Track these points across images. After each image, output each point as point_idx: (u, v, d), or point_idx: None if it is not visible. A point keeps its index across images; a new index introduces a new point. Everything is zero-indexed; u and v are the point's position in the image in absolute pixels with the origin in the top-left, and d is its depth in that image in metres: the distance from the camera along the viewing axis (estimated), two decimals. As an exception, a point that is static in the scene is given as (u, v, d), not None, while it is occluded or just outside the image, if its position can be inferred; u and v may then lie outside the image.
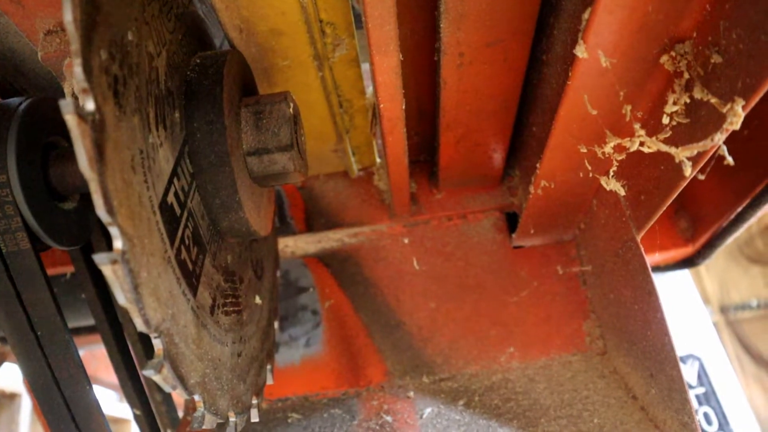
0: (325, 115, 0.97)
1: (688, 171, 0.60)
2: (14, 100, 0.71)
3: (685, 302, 1.55)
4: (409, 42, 0.85)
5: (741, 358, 4.10)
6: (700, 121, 0.61)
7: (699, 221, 1.25)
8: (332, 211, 1.14)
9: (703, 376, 1.43)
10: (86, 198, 0.78)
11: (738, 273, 4.21)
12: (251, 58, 0.82)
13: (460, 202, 1.13)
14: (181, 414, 1.04)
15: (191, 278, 0.61)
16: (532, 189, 0.90)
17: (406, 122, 0.82)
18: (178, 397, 1.08)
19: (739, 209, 1.08)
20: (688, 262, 1.35)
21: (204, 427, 0.60)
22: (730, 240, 1.19)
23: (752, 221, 1.10)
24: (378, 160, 1.13)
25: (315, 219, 1.14)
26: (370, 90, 0.99)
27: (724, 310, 4.13)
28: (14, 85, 0.82)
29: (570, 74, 0.66)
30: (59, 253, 1.18)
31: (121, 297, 0.46)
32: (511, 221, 1.14)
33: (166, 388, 0.53)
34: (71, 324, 0.91)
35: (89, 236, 0.80)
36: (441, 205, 1.13)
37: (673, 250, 1.30)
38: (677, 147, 0.61)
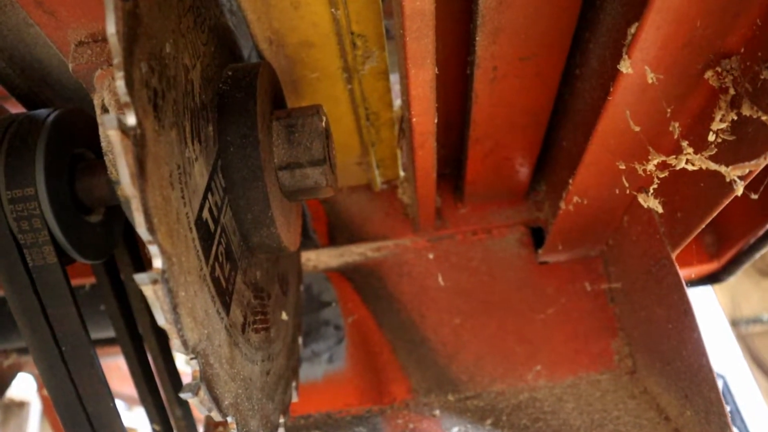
0: (352, 128, 0.95)
1: (740, 190, 0.58)
2: (42, 112, 0.70)
3: (708, 319, 1.53)
4: (440, 55, 0.83)
5: (753, 373, 4.06)
6: (747, 138, 0.60)
7: (725, 237, 1.22)
8: (355, 224, 1.13)
9: (727, 395, 1.40)
10: (112, 211, 0.77)
11: (749, 286, 4.16)
12: (280, 71, 0.81)
13: (485, 217, 1.12)
14: (201, 430, 1.02)
15: (225, 296, 0.59)
16: (563, 204, 0.88)
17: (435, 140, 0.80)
18: (198, 412, 1.07)
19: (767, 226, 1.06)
20: (712, 278, 1.33)
21: (236, 449, 0.58)
22: (757, 256, 1.17)
23: (781, 238, 1.08)
24: (402, 173, 1.12)
25: (338, 232, 1.13)
26: (397, 103, 0.98)
27: (735, 324, 4.09)
28: (40, 96, 0.81)
29: (611, 90, 0.64)
30: (78, 264, 1.17)
31: (161, 318, 0.44)
32: (537, 236, 1.12)
33: (202, 411, 0.51)
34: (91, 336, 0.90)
35: (113, 249, 0.79)
36: (466, 219, 1.12)
37: (698, 266, 1.28)
38: (725, 165, 0.59)
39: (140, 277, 0.42)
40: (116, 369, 1.78)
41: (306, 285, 1.10)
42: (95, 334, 1.30)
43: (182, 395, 0.48)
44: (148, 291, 0.43)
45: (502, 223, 1.11)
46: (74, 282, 1.17)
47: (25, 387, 3.12)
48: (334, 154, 0.77)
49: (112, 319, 0.89)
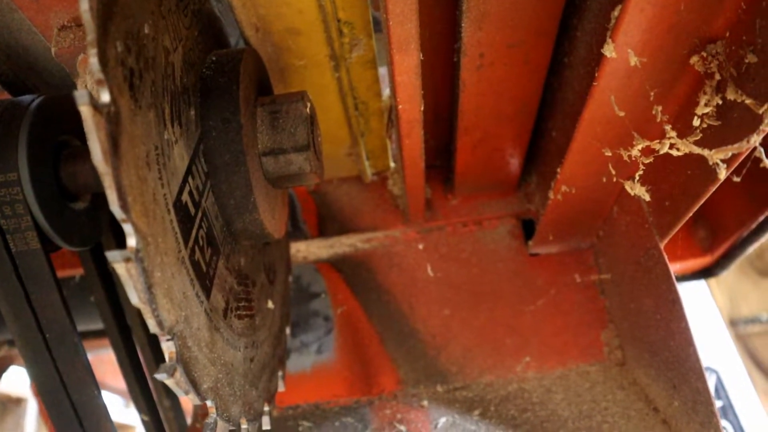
0: (341, 118, 0.95)
1: (723, 174, 0.58)
2: (26, 98, 0.69)
3: (702, 313, 1.53)
4: (428, 44, 0.83)
5: (751, 372, 4.05)
6: (732, 123, 0.59)
7: (718, 231, 1.22)
8: (345, 215, 1.12)
9: (720, 390, 1.40)
10: (97, 198, 0.76)
11: (748, 286, 4.15)
12: (267, 58, 0.81)
13: (476, 208, 1.11)
14: (189, 420, 1.02)
15: (205, 280, 0.59)
16: (551, 194, 0.88)
17: (422, 126, 0.80)
18: (187, 403, 1.07)
19: (761, 219, 1.05)
20: (706, 273, 1.32)
21: (215, 434, 0.58)
22: (750, 250, 1.16)
23: (773, 232, 1.08)
24: (392, 164, 1.12)
25: (328, 224, 1.12)
26: (386, 92, 0.97)
27: (733, 323, 4.07)
28: (26, 83, 0.80)
29: (596, 75, 0.64)
30: (68, 255, 1.16)
31: (135, 297, 0.44)
32: (527, 228, 1.12)
33: (179, 393, 0.51)
34: (79, 328, 0.89)
35: (100, 237, 0.78)
36: (456, 211, 1.11)
37: (691, 260, 1.27)
38: (709, 149, 0.59)
39: (113, 255, 0.42)
40: (110, 362, 1.78)
41: (295, 276, 1.10)
42: (85, 326, 1.30)
43: (157, 376, 0.48)
44: (121, 269, 0.42)
45: (493, 214, 1.11)
46: (63, 273, 1.17)
47: (21, 383, 3.12)
48: (320, 141, 0.76)
49: (100, 308, 0.89)
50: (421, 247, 1.10)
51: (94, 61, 0.42)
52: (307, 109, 0.70)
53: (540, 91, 0.85)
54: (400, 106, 0.74)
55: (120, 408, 3.43)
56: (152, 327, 0.46)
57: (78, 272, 1.19)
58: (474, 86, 0.81)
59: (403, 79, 0.70)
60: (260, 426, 0.72)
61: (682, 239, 1.25)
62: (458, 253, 1.09)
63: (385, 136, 1.02)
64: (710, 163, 0.58)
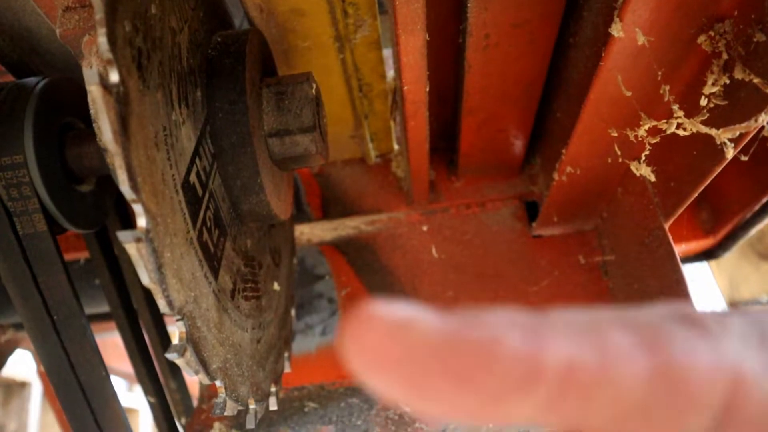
0: (345, 100, 0.95)
1: (730, 153, 0.58)
2: (31, 80, 0.69)
3: (704, 296, 1.53)
4: (433, 25, 0.82)
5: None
6: (739, 103, 0.59)
7: (721, 213, 1.22)
8: (349, 198, 1.12)
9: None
10: (103, 181, 0.76)
11: (748, 269, 4.16)
12: (271, 40, 0.81)
13: (480, 191, 1.11)
14: (195, 403, 1.03)
15: (213, 261, 0.59)
16: (556, 175, 0.88)
17: (427, 107, 0.80)
18: (193, 386, 1.07)
19: (764, 200, 1.05)
20: (708, 254, 1.33)
21: (225, 413, 0.58)
22: (753, 232, 1.16)
23: (776, 213, 1.08)
24: (396, 146, 1.11)
25: (332, 206, 1.12)
26: (390, 74, 0.97)
27: (733, 305, 4.08)
28: (30, 66, 0.80)
29: (603, 55, 0.64)
30: (73, 239, 1.17)
31: (145, 277, 0.44)
32: (531, 210, 1.12)
33: (189, 373, 0.51)
34: (85, 311, 0.89)
35: (105, 220, 0.79)
36: (460, 193, 1.11)
37: (693, 241, 1.28)
38: (716, 129, 0.59)
39: (124, 235, 0.42)
40: (115, 346, 1.78)
41: (300, 258, 1.10)
42: (91, 309, 1.31)
43: (168, 355, 0.48)
44: (132, 249, 0.43)
45: (497, 196, 1.11)
46: (68, 257, 1.17)
47: (25, 367, 3.13)
48: (325, 122, 0.76)
49: (106, 290, 0.89)
50: (425, 228, 1.10)
51: (102, 40, 0.42)
52: (313, 90, 0.70)
53: (545, 72, 0.84)
54: (405, 87, 0.74)
55: (123, 392, 3.45)
56: (162, 307, 0.47)
57: (82, 256, 1.19)
58: (479, 67, 0.81)
59: (408, 59, 0.69)
60: (267, 406, 0.72)
61: (684, 221, 1.25)
62: (462, 235, 1.09)
63: (389, 118, 1.02)
64: (717, 142, 0.58)
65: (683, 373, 0.22)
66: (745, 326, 0.24)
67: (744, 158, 0.60)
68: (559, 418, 0.22)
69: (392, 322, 0.22)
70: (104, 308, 1.22)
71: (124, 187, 0.42)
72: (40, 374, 2.79)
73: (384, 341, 0.22)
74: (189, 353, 0.50)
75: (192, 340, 0.51)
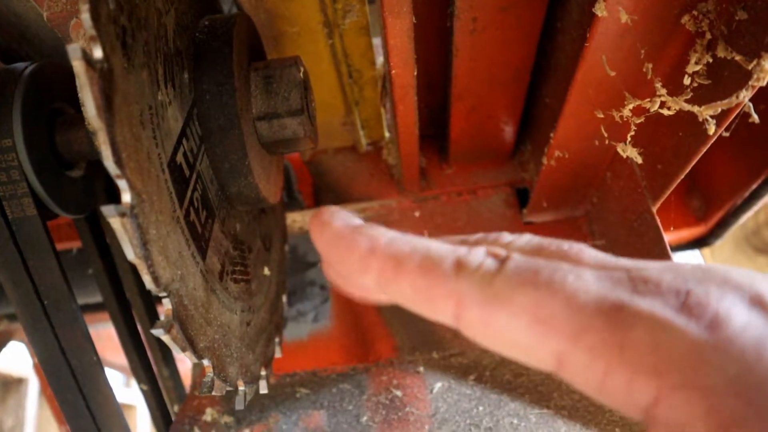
0: (335, 86, 0.95)
1: (712, 129, 0.58)
2: (20, 65, 0.69)
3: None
4: (421, 9, 0.83)
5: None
6: (722, 82, 0.60)
7: (712, 200, 1.23)
8: (341, 185, 1.13)
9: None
10: (93, 166, 0.76)
11: (744, 263, 4.17)
12: (260, 25, 0.81)
13: (471, 178, 1.12)
14: (187, 390, 1.03)
15: (200, 241, 0.59)
16: (545, 160, 0.88)
17: (416, 92, 0.80)
18: (185, 374, 1.08)
19: (754, 186, 1.06)
20: (700, 242, 1.33)
21: (213, 393, 0.58)
22: (744, 219, 1.17)
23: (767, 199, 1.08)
24: (387, 134, 1.12)
25: (323, 194, 1.13)
26: (380, 60, 0.97)
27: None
28: (19, 52, 0.80)
29: (588, 36, 0.64)
30: (65, 228, 1.17)
31: (130, 252, 0.45)
32: (522, 197, 1.12)
33: (175, 350, 0.52)
34: (78, 301, 0.90)
35: (95, 205, 0.79)
36: (451, 180, 1.12)
37: (685, 229, 1.28)
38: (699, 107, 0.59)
39: (108, 209, 0.43)
40: (109, 338, 1.79)
41: (292, 246, 1.10)
42: (84, 299, 1.31)
43: (154, 331, 0.49)
44: (116, 223, 0.43)
45: (488, 183, 1.11)
46: (61, 246, 1.17)
47: (22, 363, 3.14)
48: (314, 107, 0.76)
49: (98, 278, 0.89)
50: (417, 215, 1.10)
51: (86, 17, 0.42)
52: (301, 74, 0.70)
53: (533, 56, 0.85)
54: (393, 71, 0.74)
55: (120, 387, 3.45)
56: (148, 283, 0.47)
57: (75, 245, 1.20)
58: (467, 51, 0.81)
59: (396, 42, 0.70)
60: (257, 389, 0.73)
61: (675, 209, 1.26)
62: (453, 222, 1.09)
63: (379, 105, 1.02)
64: (700, 119, 0.58)
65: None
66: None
67: (725, 134, 0.60)
68: (387, 291, 0.37)
69: (327, 219, 0.41)
70: (96, 299, 1.23)
71: (108, 162, 0.42)
72: (37, 370, 2.79)
73: (320, 228, 0.41)
74: (175, 330, 0.50)
75: (178, 318, 0.51)
